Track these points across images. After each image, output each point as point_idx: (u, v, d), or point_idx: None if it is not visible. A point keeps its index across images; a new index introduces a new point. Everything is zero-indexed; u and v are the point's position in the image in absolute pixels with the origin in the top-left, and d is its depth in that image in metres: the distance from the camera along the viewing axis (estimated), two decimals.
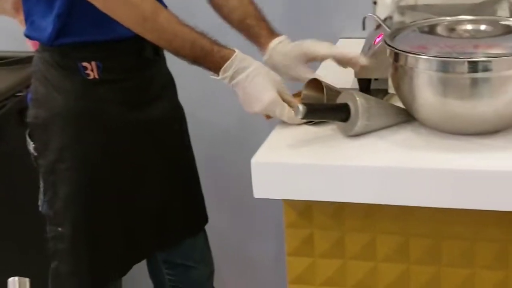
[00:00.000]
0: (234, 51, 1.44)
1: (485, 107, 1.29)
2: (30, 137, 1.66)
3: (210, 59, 1.43)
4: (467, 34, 1.41)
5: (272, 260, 2.34)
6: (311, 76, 1.50)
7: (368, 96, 1.41)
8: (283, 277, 1.45)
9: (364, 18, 1.50)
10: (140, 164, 1.67)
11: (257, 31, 1.58)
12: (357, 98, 1.36)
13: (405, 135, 1.38)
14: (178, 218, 1.77)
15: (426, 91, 1.31)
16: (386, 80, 1.53)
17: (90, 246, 1.65)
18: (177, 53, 1.45)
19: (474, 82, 1.28)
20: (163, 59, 1.72)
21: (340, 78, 1.63)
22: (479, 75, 1.27)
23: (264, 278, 2.37)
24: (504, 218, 1.27)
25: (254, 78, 1.43)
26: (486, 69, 1.26)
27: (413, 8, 1.72)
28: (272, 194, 1.34)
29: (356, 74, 1.60)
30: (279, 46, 1.56)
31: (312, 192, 1.31)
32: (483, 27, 1.42)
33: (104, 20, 1.50)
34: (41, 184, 1.67)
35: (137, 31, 1.47)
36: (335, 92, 1.44)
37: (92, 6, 1.48)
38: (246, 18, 1.60)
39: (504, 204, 1.24)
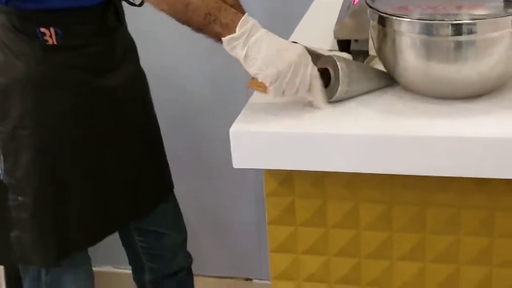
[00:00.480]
0: (245, 13, 1.28)
1: (469, 70, 1.25)
2: None
3: (220, 18, 1.26)
4: None
5: (252, 226, 2.32)
6: None
7: (349, 59, 1.37)
8: (264, 244, 1.43)
9: None
10: (105, 130, 1.63)
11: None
12: (338, 63, 1.32)
13: (387, 100, 1.34)
14: (148, 185, 1.74)
15: (409, 54, 1.28)
16: (366, 41, 1.49)
17: (54, 215, 1.61)
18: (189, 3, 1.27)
19: (458, 45, 1.24)
20: (124, 25, 1.67)
21: (319, 40, 1.59)
22: (463, 38, 1.23)
23: (245, 244, 2.35)
24: (489, 185, 1.24)
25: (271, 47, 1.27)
26: (470, 32, 1.23)
27: None
28: (252, 164, 1.29)
29: (335, 35, 1.56)
30: None
31: (293, 162, 1.27)
32: None
33: None
34: (1, 152, 1.63)
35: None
36: (314, 56, 1.39)
37: None
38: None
39: (488, 171, 1.21)
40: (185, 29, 1.31)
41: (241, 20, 1.26)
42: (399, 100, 1.33)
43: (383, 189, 1.30)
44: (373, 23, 1.33)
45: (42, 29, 1.52)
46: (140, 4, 1.57)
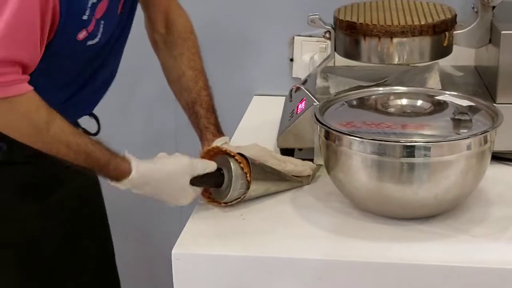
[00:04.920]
0: (131, 170, 1.24)
1: (424, 192, 1.21)
2: None
3: (106, 173, 1.25)
4: (396, 110, 1.32)
5: None
6: None
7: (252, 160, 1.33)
8: None
9: (291, 90, 1.40)
10: (50, 256, 1.46)
11: (205, 124, 1.43)
12: (232, 167, 1.29)
13: (338, 219, 1.28)
14: None
15: (361, 174, 1.22)
16: (311, 150, 1.44)
17: None
18: (70, 162, 1.24)
19: (411, 167, 1.19)
20: None
21: (261, 141, 1.52)
22: (417, 160, 1.19)
23: None
24: None
25: (165, 187, 1.28)
26: (424, 154, 1.18)
27: (334, 71, 1.64)
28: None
29: (279, 144, 1.50)
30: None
31: (240, 286, 1.19)
32: (414, 102, 1.34)
33: None
34: None
35: (25, 141, 1.22)
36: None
37: None
38: (196, 103, 1.45)
39: None
40: None
41: (120, 183, 1.25)
42: (350, 219, 1.27)
43: None
44: (323, 138, 1.27)
45: None
46: (96, 133, 1.47)
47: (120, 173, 1.24)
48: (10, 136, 1.22)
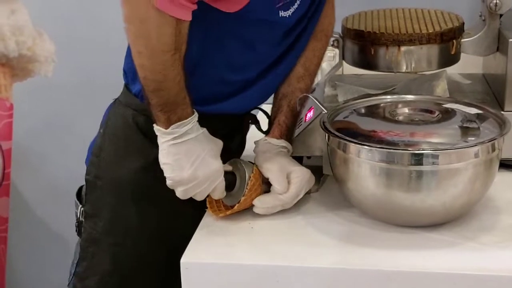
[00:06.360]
0: (194, 114, 1.28)
1: (432, 200, 1.21)
2: (78, 197, 1.44)
3: (181, 109, 1.25)
4: (404, 118, 1.32)
5: None
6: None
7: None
8: None
9: (298, 99, 1.40)
10: None
11: (280, 121, 1.42)
12: (246, 174, 1.30)
13: (346, 227, 1.28)
14: None
15: (369, 182, 1.22)
16: (319, 158, 1.45)
17: None
18: (160, 89, 1.25)
19: (420, 175, 1.19)
20: (243, 148, 1.53)
21: None
22: (425, 167, 1.19)
23: None
24: None
25: (209, 141, 1.29)
26: (432, 162, 1.19)
27: (342, 79, 1.65)
28: None
29: None
30: (266, 144, 1.39)
31: None
32: (421, 110, 1.34)
33: (214, 91, 1.35)
34: (77, 252, 1.46)
35: (149, 57, 1.23)
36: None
37: (207, 79, 1.35)
38: (286, 98, 1.43)
39: None
40: None
41: (179, 122, 1.26)
42: (360, 227, 1.27)
43: None
44: (331, 146, 1.28)
45: None
46: (266, 132, 1.45)
47: (186, 113, 1.26)
48: (141, 46, 1.24)
